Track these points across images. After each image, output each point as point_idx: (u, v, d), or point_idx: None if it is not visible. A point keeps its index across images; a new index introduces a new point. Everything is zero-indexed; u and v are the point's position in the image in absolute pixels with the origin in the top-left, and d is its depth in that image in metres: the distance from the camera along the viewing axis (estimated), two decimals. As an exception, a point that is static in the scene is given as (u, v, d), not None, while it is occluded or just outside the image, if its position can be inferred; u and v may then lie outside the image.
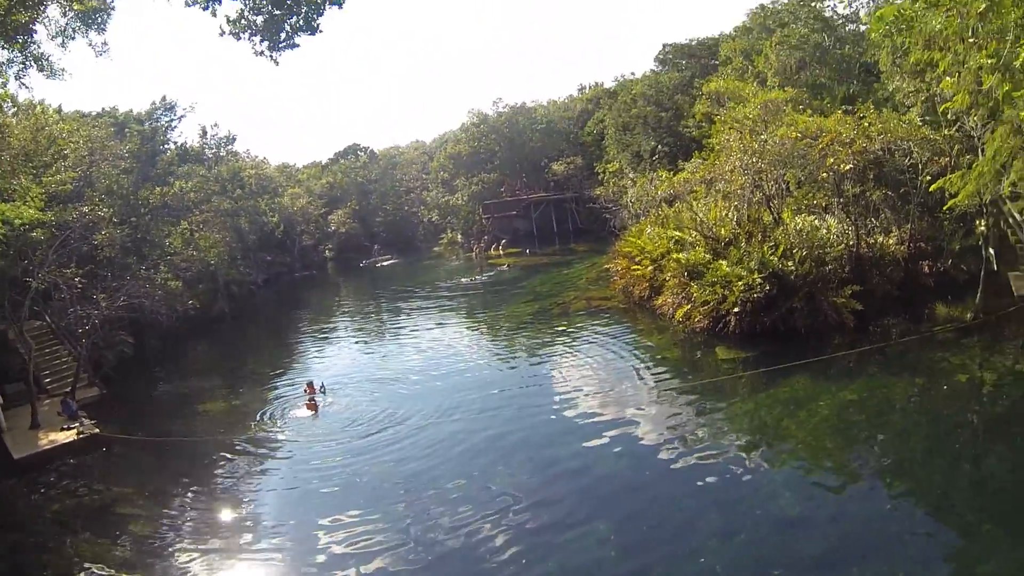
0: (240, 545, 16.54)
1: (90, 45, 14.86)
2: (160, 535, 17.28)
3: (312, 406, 25.54)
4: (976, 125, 24.07)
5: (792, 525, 14.34)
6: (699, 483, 16.50)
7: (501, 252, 68.07)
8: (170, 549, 16.47)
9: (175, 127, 65.14)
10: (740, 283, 26.45)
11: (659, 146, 58.53)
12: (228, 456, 22.15)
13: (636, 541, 14.42)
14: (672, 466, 17.52)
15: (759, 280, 26.08)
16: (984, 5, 14.63)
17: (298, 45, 14.36)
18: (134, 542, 17.12)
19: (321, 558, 15.27)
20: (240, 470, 21.17)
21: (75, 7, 13.28)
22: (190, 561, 15.77)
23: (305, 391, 26.78)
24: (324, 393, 26.89)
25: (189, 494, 19.77)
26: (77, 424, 24.54)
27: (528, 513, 15.95)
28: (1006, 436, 17.51)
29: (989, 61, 15.39)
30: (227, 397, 29.70)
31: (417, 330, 38.66)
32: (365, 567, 14.55)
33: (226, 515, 18.33)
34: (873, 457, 17.19)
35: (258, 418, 25.62)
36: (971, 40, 15.94)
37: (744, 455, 17.71)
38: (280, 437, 23.58)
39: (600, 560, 13.89)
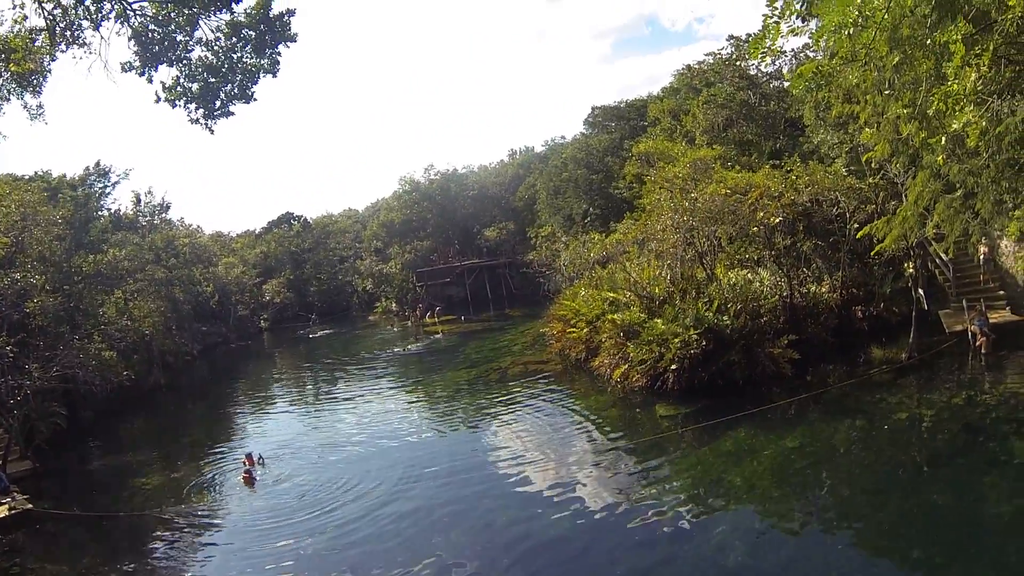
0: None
1: (25, 107, 14.65)
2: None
3: (248, 479, 24.54)
4: (899, 172, 25.16)
5: None
6: (648, 540, 16.29)
7: (436, 319, 67.75)
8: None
9: (109, 193, 64.53)
10: (676, 340, 26.37)
11: (591, 208, 59.40)
12: (166, 532, 21.23)
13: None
14: (620, 526, 17.21)
15: (695, 336, 26.09)
16: (898, 58, 15.29)
17: (233, 113, 14.58)
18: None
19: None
20: (178, 548, 20.22)
21: (11, 68, 13.11)
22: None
23: (244, 463, 25.81)
24: (263, 465, 26.02)
25: (125, 573, 18.90)
26: (8, 499, 23.49)
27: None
28: (949, 467, 17.95)
29: (906, 111, 16.04)
30: (164, 471, 28.58)
31: (355, 400, 37.85)
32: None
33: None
34: (820, 501, 17.33)
35: (196, 492, 24.67)
36: (888, 92, 16.63)
37: (690, 510, 17.57)
38: (219, 512, 22.65)
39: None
